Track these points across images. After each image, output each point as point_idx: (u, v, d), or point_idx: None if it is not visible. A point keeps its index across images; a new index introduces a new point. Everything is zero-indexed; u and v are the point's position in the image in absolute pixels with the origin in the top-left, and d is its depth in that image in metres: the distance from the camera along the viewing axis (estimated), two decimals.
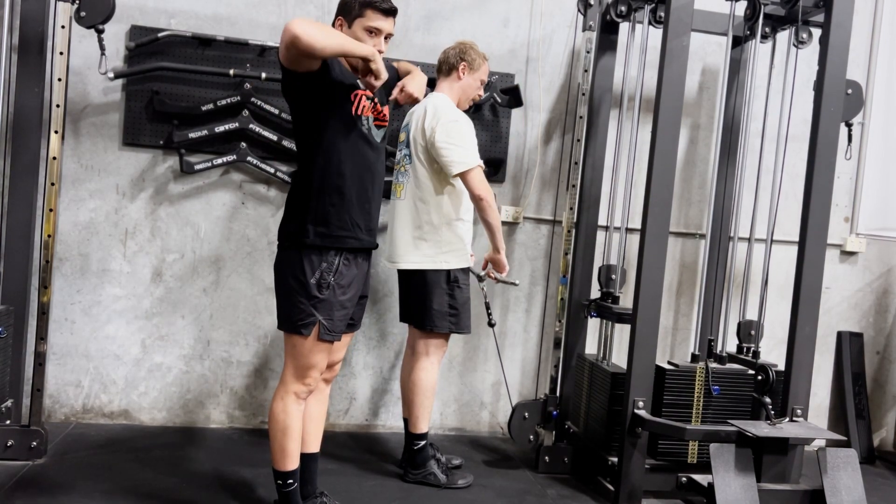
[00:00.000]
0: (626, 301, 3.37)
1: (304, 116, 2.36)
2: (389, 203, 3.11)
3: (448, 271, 2.98)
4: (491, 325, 3.27)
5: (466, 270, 3.05)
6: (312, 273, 2.33)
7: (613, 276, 3.40)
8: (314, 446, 2.58)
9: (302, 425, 2.50)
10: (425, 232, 2.96)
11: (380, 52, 2.36)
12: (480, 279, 3.23)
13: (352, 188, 2.37)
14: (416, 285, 3.01)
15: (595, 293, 3.49)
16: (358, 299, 2.50)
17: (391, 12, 2.37)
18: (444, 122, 2.90)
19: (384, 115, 2.49)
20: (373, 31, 2.35)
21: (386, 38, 2.39)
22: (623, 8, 3.36)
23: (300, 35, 2.10)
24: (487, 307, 3.26)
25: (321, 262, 2.34)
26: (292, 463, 2.44)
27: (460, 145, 2.88)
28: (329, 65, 2.30)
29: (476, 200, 2.92)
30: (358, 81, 2.38)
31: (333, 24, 2.41)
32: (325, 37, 2.16)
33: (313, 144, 2.35)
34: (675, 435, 2.87)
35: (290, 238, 2.38)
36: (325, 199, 2.34)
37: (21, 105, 3.01)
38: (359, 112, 2.38)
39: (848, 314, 4.09)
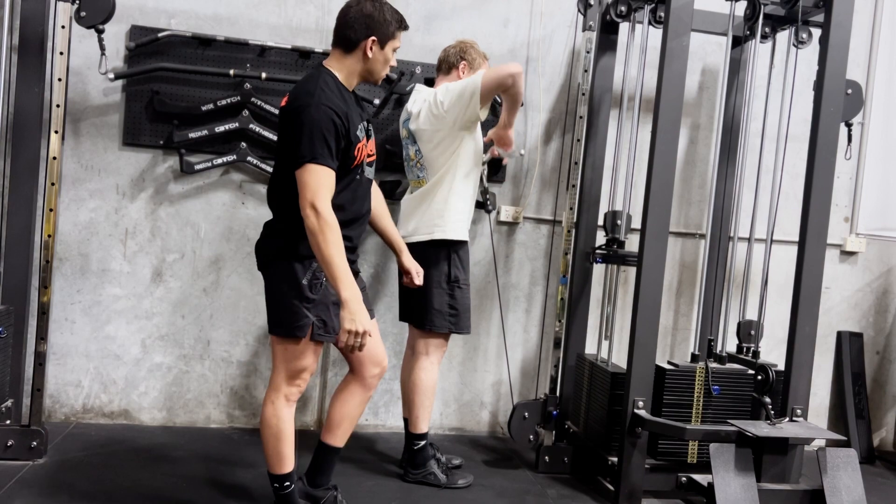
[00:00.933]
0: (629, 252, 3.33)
1: None
2: (407, 192, 3.12)
3: (448, 269, 2.98)
4: (488, 211, 3.30)
5: (466, 268, 3.05)
6: (304, 274, 2.31)
7: (619, 222, 3.34)
8: (341, 441, 2.61)
9: (336, 417, 2.57)
10: (433, 204, 2.96)
11: (393, 66, 2.50)
12: (484, 163, 3.23)
13: (348, 231, 2.38)
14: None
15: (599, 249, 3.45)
16: None
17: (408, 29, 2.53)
18: (437, 90, 2.95)
19: (373, 151, 2.52)
20: (394, 51, 2.46)
21: None
22: (623, 8, 3.36)
23: (317, 235, 2.18)
24: (485, 192, 3.27)
25: (312, 263, 2.32)
26: (287, 466, 2.43)
27: (457, 83, 2.91)
28: (349, 130, 2.31)
29: (506, 80, 2.82)
30: (359, 134, 2.37)
31: (356, 44, 2.36)
32: (330, 250, 2.19)
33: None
34: (675, 435, 2.87)
35: (275, 252, 2.37)
36: None
37: (21, 105, 3.01)
38: (358, 162, 2.40)
39: (848, 314, 4.09)
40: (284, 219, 2.37)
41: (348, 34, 2.37)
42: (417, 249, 2.98)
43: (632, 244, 3.39)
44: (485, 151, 3.24)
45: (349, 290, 2.20)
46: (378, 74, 2.45)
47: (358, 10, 2.36)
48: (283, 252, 2.34)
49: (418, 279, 2.87)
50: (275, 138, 3.38)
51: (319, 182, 2.22)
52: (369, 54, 2.37)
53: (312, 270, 2.32)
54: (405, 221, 3.05)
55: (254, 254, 3.45)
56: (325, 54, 3.39)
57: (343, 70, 2.40)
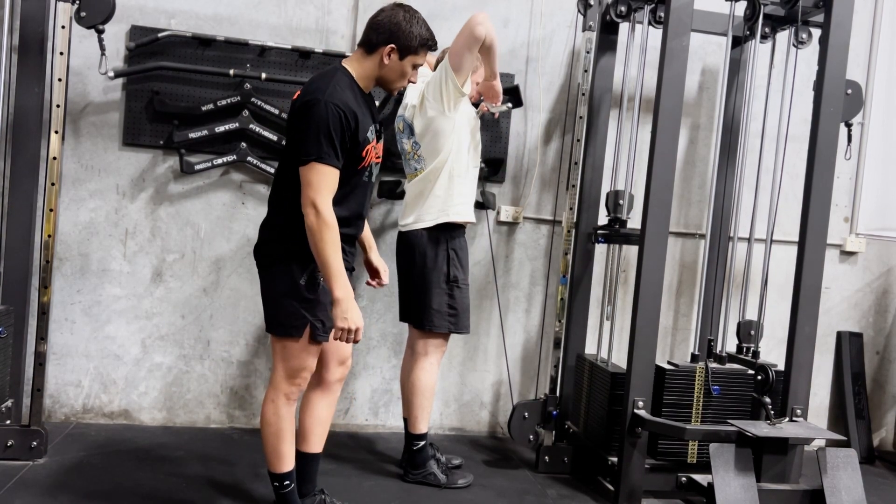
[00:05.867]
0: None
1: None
2: (406, 185, 3.10)
3: (448, 269, 2.97)
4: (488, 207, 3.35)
5: (466, 269, 3.05)
6: (301, 274, 2.32)
7: (621, 202, 3.32)
8: (318, 447, 2.56)
9: (306, 425, 2.52)
10: (436, 191, 2.95)
11: (413, 82, 2.55)
12: (477, 116, 3.16)
13: (347, 229, 2.39)
14: (416, 284, 3.01)
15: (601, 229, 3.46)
16: None
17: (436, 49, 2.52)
18: (425, 84, 2.94)
19: (380, 154, 2.53)
20: (416, 66, 2.45)
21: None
22: (623, 8, 3.36)
23: (316, 234, 2.20)
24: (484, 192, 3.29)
25: (309, 264, 2.32)
26: (287, 464, 2.44)
27: (437, 72, 2.89)
28: (357, 130, 2.31)
29: (473, 29, 2.71)
30: (369, 135, 2.38)
31: (375, 47, 2.36)
32: (326, 249, 2.21)
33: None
34: (675, 435, 2.87)
35: (273, 254, 2.37)
36: None
37: (21, 105, 3.01)
38: (366, 164, 2.41)
39: (848, 314, 4.09)
40: (282, 220, 2.37)
41: (371, 37, 2.38)
42: (419, 239, 2.98)
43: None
44: (476, 115, 3.15)
45: (343, 289, 2.24)
46: (391, 84, 2.45)
47: (388, 15, 2.37)
48: (281, 254, 2.35)
49: (385, 278, 2.73)
50: (275, 139, 3.38)
51: (323, 181, 2.23)
52: (386, 61, 2.37)
53: (310, 271, 2.32)
54: (407, 211, 3.04)
55: (253, 254, 3.49)
56: (326, 54, 3.40)
57: (359, 70, 2.40)
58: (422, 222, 2.97)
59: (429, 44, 2.41)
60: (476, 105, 3.15)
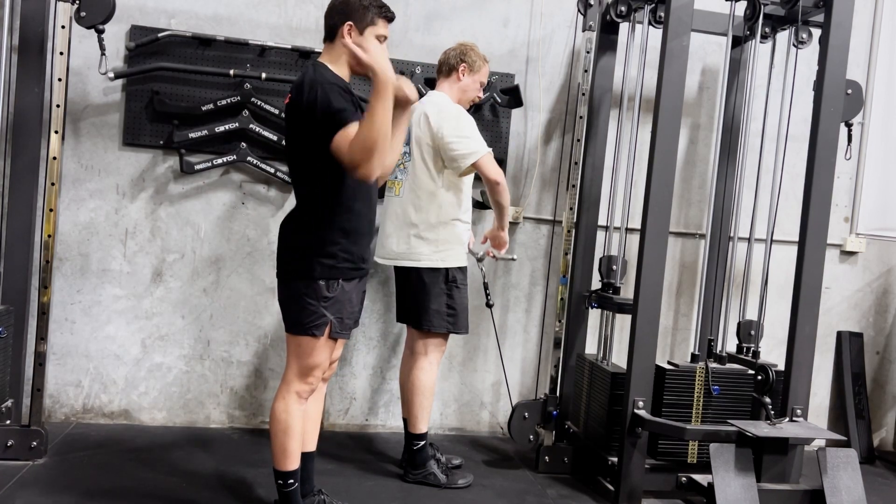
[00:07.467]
0: (626, 294, 3.36)
1: (317, 155, 2.32)
2: (384, 200, 3.11)
3: (446, 271, 2.98)
4: (489, 305, 3.32)
5: (464, 270, 3.05)
6: (321, 274, 2.35)
7: (614, 267, 3.38)
8: (311, 445, 2.59)
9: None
10: (422, 231, 2.96)
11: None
12: (480, 259, 3.28)
13: (358, 223, 2.40)
14: (413, 285, 3.01)
15: (595, 294, 3.48)
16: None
17: (394, 19, 2.50)
18: (447, 117, 2.94)
19: None
20: (380, 38, 2.43)
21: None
22: (623, 8, 3.36)
23: (374, 170, 2.20)
24: (486, 287, 3.30)
25: (330, 272, 2.36)
26: (293, 463, 2.45)
27: (468, 136, 2.92)
28: (353, 99, 2.33)
29: (492, 185, 2.97)
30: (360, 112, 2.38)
31: (335, 32, 2.38)
32: (383, 140, 2.18)
33: (324, 181, 2.34)
34: (675, 435, 2.87)
35: (293, 273, 2.39)
36: (333, 235, 2.35)
37: (21, 105, 3.01)
38: None
39: (848, 314, 4.09)
40: (299, 232, 2.39)
41: (329, 23, 2.42)
42: (411, 273, 2.99)
43: (632, 244, 3.40)
44: (480, 258, 3.31)
45: (390, 75, 2.24)
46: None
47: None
48: (301, 256, 2.36)
49: None
50: (275, 138, 3.38)
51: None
52: (348, 40, 2.37)
53: (329, 274, 2.36)
54: (389, 240, 3.02)
55: (253, 253, 3.50)
56: None
57: (331, 60, 2.41)
58: (412, 261, 2.98)
59: (383, 11, 2.42)
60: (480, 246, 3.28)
